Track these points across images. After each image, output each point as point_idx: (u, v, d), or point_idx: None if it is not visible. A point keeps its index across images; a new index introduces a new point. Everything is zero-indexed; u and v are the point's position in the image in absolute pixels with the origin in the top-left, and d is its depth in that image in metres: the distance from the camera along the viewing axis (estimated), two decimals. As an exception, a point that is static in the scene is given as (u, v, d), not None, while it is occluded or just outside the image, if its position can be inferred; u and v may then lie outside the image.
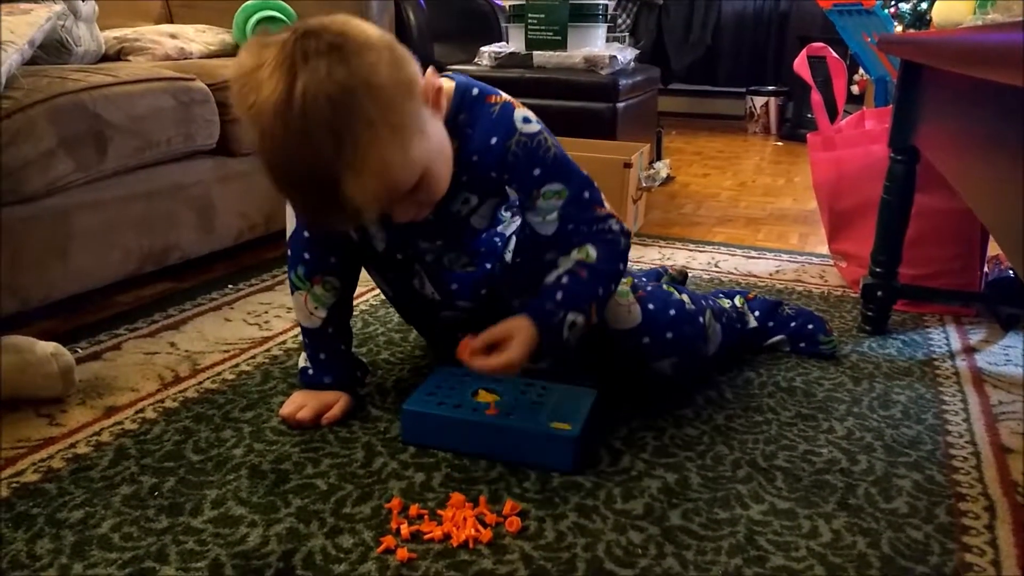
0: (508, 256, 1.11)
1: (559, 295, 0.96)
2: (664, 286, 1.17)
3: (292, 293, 1.10)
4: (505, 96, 1.01)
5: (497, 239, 1.12)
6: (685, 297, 1.14)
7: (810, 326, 1.31)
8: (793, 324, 1.32)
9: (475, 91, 0.99)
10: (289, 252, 1.09)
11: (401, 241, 1.08)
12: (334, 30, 0.78)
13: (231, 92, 0.81)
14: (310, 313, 1.08)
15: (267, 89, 0.75)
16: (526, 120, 0.99)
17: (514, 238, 1.12)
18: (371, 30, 0.82)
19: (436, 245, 1.09)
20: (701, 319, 1.13)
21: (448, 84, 0.97)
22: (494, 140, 0.97)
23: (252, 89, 0.77)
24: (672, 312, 1.09)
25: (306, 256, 1.07)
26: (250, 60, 0.78)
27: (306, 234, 1.07)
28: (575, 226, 1.00)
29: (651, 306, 1.08)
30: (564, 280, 0.98)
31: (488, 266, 1.11)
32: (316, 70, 0.75)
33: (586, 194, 1.01)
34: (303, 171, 0.78)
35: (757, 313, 1.31)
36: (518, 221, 1.11)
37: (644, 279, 1.28)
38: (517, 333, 0.93)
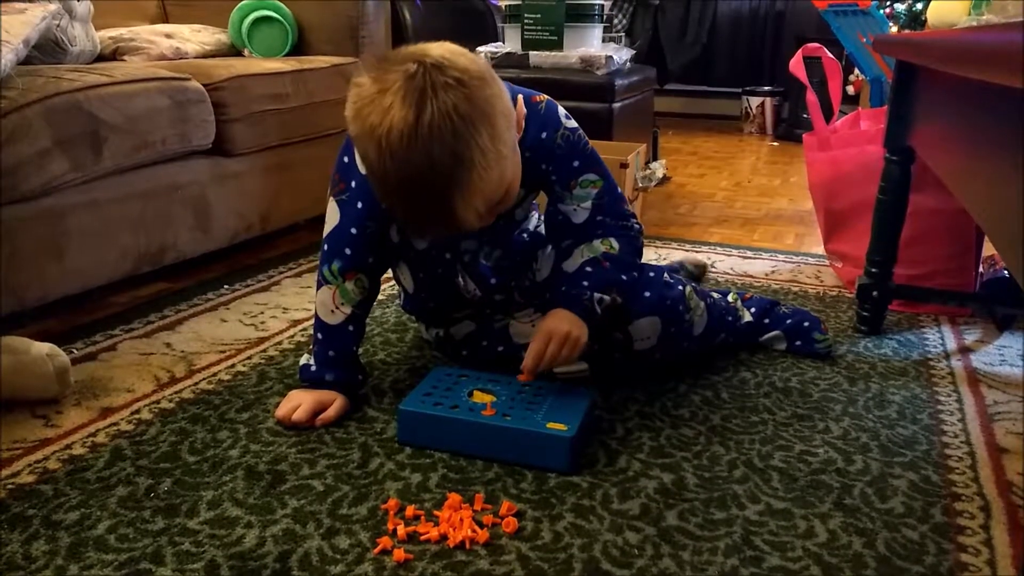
0: (528, 242, 1.21)
1: (585, 282, 1.07)
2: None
3: (318, 288, 1.11)
4: (545, 95, 1.11)
5: (525, 235, 1.21)
6: (665, 275, 1.20)
7: (806, 323, 1.32)
8: (789, 321, 1.32)
9: (520, 97, 1.07)
10: (325, 247, 1.10)
11: (446, 239, 1.13)
12: (459, 66, 0.87)
13: (348, 109, 0.89)
14: (334, 309, 1.09)
15: (395, 113, 0.84)
16: (567, 116, 1.11)
17: (540, 231, 1.22)
18: (482, 62, 0.91)
19: (481, 240, 1.14)
20: (680, 288, 1.17)
21: None
22: (544, 135, 1.08)
23: (376, 111, 0.85)
24: (651, 274, 1.17)
25: (347, 252, 1.09)
26: (372, 84, 0.86)
27: (353, 231, 1.08)
28: (603, 217, 1.12)
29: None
30: (588, 269, 1.08)
31: (518, 259, 1.19)
32: (444, 102, 0.83)
33: (618, 189, 1.14)
34: (420, 187, 0.86)
35: (753, 310, 1.33)
36: (534, 219, 1.23)
37: None
38: (556, 327, 1.03)
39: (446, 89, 0.84)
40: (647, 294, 1.14)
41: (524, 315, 1.19)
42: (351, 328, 1.11)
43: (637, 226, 1.15)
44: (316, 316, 1.11)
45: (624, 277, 1.10)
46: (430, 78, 0.84)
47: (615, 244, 1.11)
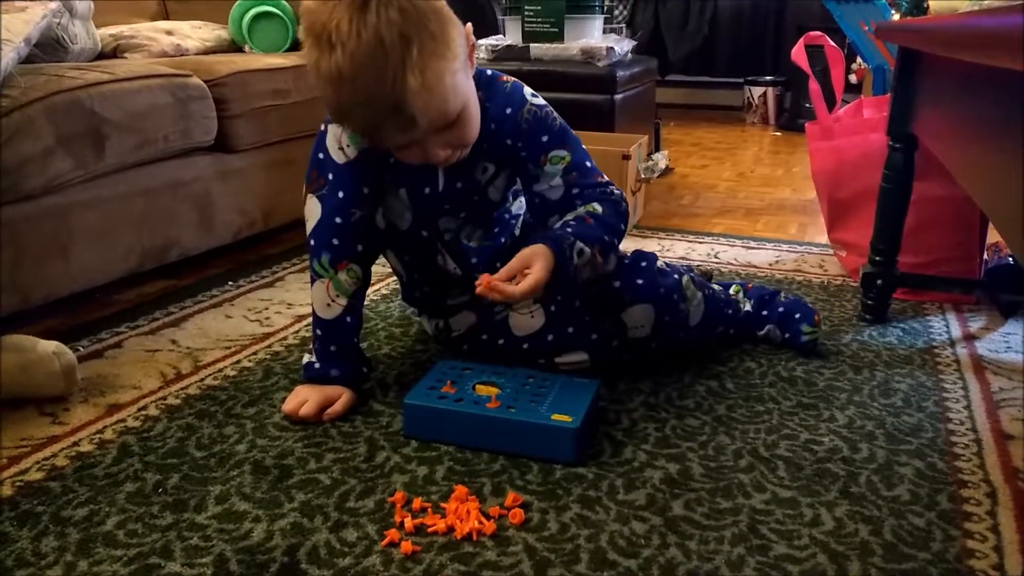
0: (517, 231, 1.21)
1: (569, 229, 1.07)
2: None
3: (312, 284, 1.11)
4: (513, 78, 1.14)
5: (508, 215, 1.20)
6: (661, 262, 1.20)
7: (797, 315, 1.29)
8: (781, 310, 1.30)
9: (488, 72, 1.13)
10: (312, 242, 1.10)
11: (425, 218, 1.14)
12: None
13: (301, 32, 0.93)
14: (330, 302, 1.09)
15: (342, 11, 0.88)
16: (533, 95, 1.13)
17: (521, 217, 1.22)
18: None
19: (459, 218, 1.15)
20: (676, 276, 1.17)
21: None
22: (509, 110, 1.10)
23: (324, 15, 0.89)
24: (643, 263, 1.17)
25: (335, 242, 1.09)
26: (321, 2, 0.90)
27: (338, 220, 1.08)
28: (579, 191, 1.12)
29: (625, 259, 1.18)
30: (572, 221, 1.09)
31: (502, 240, 1.18)
32: (390, 3, 0.87)
33: (588, 163, 1.14)
34: (371, 75, 0.88)
35: (752, 301, 1.32)
36: (522, 202, 1.22)
37: None
38: (535, 259, 1.01)
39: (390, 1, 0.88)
40: (640, 281, 1.13)
41: (523, 306, 1.17)
42: (349, 320, 1.11)
43: (618, 192, 1.14)
44: (313, 314, 1.11)
45: (606, 237, 1.09)
46: None
47: (598, 207, 1.11)
